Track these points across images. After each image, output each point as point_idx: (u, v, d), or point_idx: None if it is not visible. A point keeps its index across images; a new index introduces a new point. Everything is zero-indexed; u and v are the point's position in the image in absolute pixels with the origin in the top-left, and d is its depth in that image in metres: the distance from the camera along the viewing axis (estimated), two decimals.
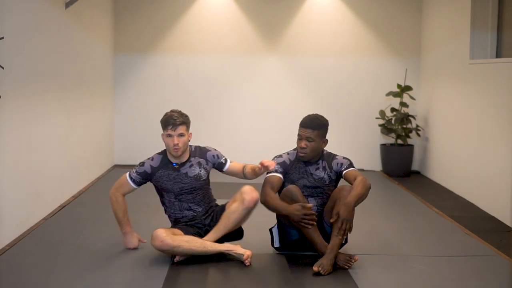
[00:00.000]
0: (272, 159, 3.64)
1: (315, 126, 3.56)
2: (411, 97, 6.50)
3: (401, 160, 6.43)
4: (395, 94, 6.42)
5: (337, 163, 3.64)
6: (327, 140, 3.65)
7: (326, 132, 3.63)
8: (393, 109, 6.45)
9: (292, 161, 3.65)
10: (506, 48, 5.16)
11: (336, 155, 3.71)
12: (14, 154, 3.89)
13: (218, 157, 3.66)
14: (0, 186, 3.68)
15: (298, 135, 3.63)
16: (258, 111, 6.78)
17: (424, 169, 6.55)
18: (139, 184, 3.61)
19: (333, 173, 3.64)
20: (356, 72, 6.75)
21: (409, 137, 6.45)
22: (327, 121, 3.65)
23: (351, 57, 6.73)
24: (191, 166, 3.58)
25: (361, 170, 6.77)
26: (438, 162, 6.16)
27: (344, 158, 3.68)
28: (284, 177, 3.59)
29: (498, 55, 5.26)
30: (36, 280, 3.15)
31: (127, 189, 3.64)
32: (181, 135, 3.51)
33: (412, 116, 6.42)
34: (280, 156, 3.67)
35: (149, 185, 3.65)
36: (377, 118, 6.54)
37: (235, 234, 3.61)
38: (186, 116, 3.60)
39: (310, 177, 3.60)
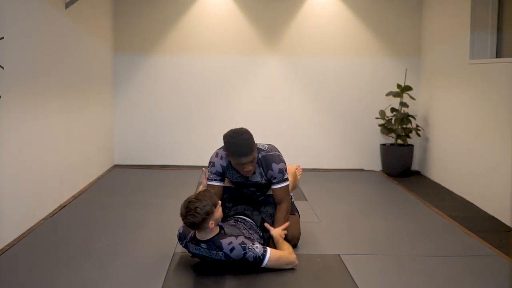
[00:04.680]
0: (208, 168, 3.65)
1: (250, 149, 3.39)
2: (411, 97, 6.50)
3: (401, 160, 6.43)
4: (395, 94, 6.42)
5: (271, 175, 3.56)
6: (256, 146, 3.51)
7: (254, 139, 3.46)
8: (393, 109, 6.45)
9: (224, 167, 3.61)
10: (506, 48, 5.16)
11: (272, 162, 3.53)
12: (14, 154, 3.89)
13: None
14: (0, 186, 3.68)
15: (238, 164, 3.46)
16: (258, 111, 6.78)
17: (424, 169, 6.55)
18: None
19: (267, 179, 3.60)
20: (356, 72, 6.75)
21: (409, 137, 6.45)
22: (248, 132, 3.45)
23: (351, 57, 6.73)
24: None
25: (361, 170, 6.77)
26: (438, 162, 6.16)
27: (279, 169, 3.53)
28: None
29: (498, 55, 5.26)
30: (36, 280, 3.15)
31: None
32: None
33: (412, 116, 6.42)
34: (213, 164, 3.61)
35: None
36: (377, 118, 6.54)
37: None
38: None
39: (246, 180, 3.62)
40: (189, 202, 3.21)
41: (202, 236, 3.28)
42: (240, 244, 3.25)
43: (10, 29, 3.76)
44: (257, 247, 3.27)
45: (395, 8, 6.69)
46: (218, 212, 3.26)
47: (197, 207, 3.17)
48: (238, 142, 3.38)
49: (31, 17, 4.20)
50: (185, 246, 3.40)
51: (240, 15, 6.66)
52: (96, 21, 5.99)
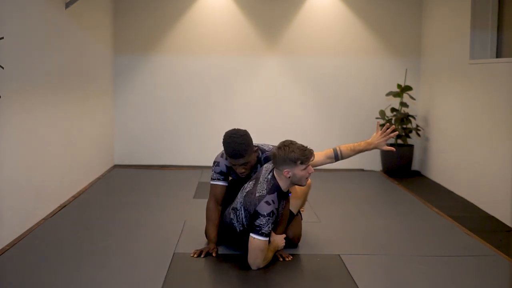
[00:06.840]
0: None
1: (243, 152, 3.45)
2: (411, 97, 6.50)
3: (401, 160, 6.43)
4: (395, 94, 6.42)
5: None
6: (255, 147, 3.60)
7: (252, 144, 3.52)
8: (393, 109, 6.45)
9: (229, 167, 3.65)
10: (506, 48, 5.16)
11: (267, 159, 3.60)
12: (14, 154, 3.89)
13: None
14: (0, 186, 3.68)
15: (232, 164, 3.55)
16: (258, 111, 6.78)
17: (424, 169, 6.55)
18: None
19: None
20: (356, 72, 6.75)
21: (409, 137, 6.45)
22: (246, 136, 3.49)
23: (351, 57, 6.73)
24: None
25: (361, 170, 6.77)
26: (438, 162, 6.16)
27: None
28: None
29: (498, 55, 5.26)
30: (36, 280, 3.15)
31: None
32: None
33: (412, 116, 6.42)
34: (217, 164, 3.66)
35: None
36: (377, 118, 6.53)
37: None
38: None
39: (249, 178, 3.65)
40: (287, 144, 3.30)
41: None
42: (267, 202, 3.25)
43: (10, 29, 3.76)
44: (269, 227, 3.26)
45: (395, 8, 6.69)
46: (301, 172, 3.27)
47: (289, 145, 3.27)
48: (231, 144, 3.43)
49: (31, 17, 4.20)
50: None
51: (240, 15, 6.66)
52: (96, 21, 5.99)
